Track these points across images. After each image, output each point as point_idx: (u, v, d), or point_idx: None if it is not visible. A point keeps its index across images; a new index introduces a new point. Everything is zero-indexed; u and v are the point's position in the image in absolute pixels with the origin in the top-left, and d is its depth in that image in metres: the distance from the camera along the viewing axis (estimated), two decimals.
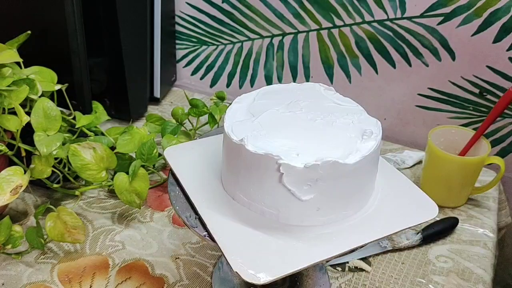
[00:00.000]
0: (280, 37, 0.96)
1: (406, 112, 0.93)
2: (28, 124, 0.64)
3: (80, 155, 0.66)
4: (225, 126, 0.50)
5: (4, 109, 0.63)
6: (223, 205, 0.50)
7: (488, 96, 0.85)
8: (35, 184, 0.69)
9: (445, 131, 0.77)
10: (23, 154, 0.65)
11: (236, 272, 0.43)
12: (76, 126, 0.73)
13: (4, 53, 0.66)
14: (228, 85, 1.06)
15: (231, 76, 1.05)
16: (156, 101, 1.02)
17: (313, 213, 0.47)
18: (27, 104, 0.66)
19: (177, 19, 1.03)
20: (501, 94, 0.84)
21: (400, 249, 0.69)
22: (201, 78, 1.08)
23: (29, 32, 0.70)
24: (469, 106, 0.88)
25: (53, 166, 0.66)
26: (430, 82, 0.89)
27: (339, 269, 0.66)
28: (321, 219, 0.48)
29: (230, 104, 0.54)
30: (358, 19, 0.88)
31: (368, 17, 0.87)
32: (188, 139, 0.81)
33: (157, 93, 1.00)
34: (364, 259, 0.67)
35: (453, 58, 0.85)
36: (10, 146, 0.65)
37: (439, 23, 0.83)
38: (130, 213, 0.73)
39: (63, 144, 0.67)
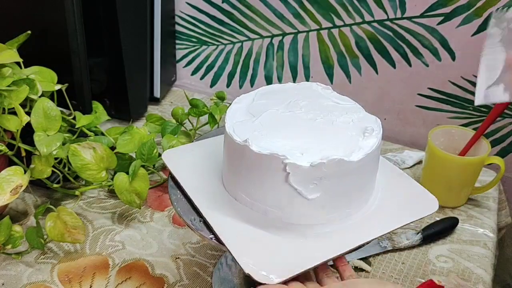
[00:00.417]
0: (280, 37, 0.96)
1: (406, 112, 0.93)
2: (28, 124, 0.64)
3: (80, 155, 0.66)
4: (227, 127, 0.50)
5: (4, 109, 0.63)
6: (226, 206, 0.50)
7: None
8: (35, 184, 0.69)
9: (445, 131, 0.77)
10: (23, 154, 0.65)
11: (249, 274, 0.43)
12: (76, 126, 0.73)
13: (4, 53, 0.66)
14: (228, 85, 1.06)
15: (231, 76, 1.05)
16: (156, 101, 1.01)
17: (318, 212, 0.48)
18: (27, 104, 0.66)
19: (177, 19, 1.03)
20: None
21: (400, 249, 0.69)
22: (201, 78, 1.08)
23: (29, 32, 0.70)
24: (469, 106, 0.88)
25: (53, 166, 0.66)
26: (430, 82, 0.89)
27: None
28: (325, 217, 0.48)
29: (230, 104, 0.54)
30: (358, 19, 0.88)
31: (368, 17, 0.87)
32: (188, 139, 0.81)
33: (157, 93, 1.00)
34: (364, 259, 0.67)
35: (453, 58, 0.85)
36: (10, 146, 0.65)
37: (439, 23, 0.83)
38: (130, 213, 0.73)
39: (63, 144, 0.67)
